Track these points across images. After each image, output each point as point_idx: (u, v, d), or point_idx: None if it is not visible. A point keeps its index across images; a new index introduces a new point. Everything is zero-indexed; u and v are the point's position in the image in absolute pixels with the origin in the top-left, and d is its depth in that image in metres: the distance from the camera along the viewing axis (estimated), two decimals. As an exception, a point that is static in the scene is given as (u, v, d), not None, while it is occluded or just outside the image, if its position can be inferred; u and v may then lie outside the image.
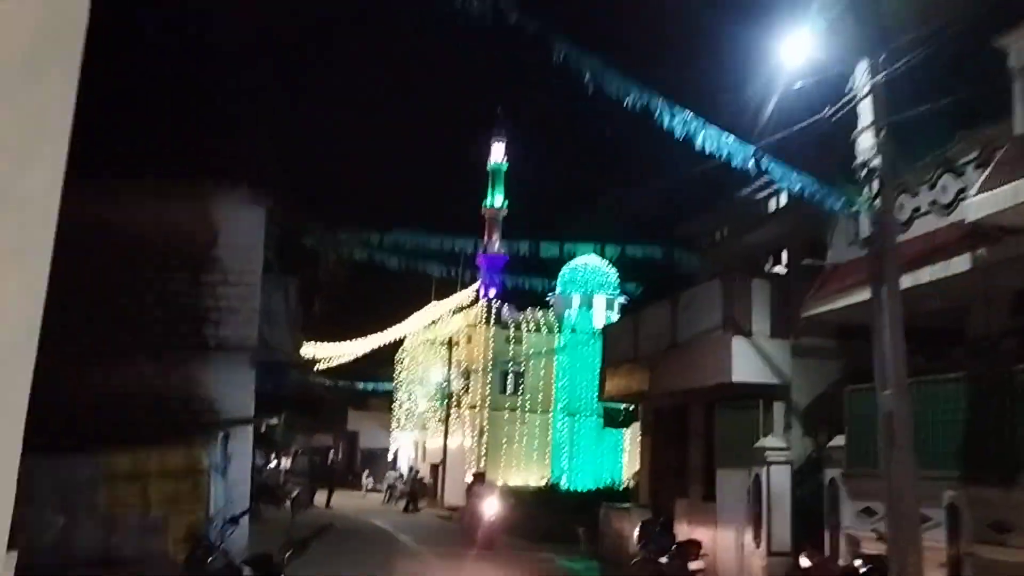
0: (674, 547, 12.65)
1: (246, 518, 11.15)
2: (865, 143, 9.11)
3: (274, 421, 33.11)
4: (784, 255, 18.03)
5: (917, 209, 10.71)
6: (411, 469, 37.69)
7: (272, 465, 35.82)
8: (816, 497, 12.25)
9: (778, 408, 14.13)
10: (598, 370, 21.65)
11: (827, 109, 9.39)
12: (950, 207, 10.06)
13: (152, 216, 11.53)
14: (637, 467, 23.87)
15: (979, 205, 8.59)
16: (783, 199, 19.07)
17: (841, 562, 10.92)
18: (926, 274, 10.03)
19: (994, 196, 8.37)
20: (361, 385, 45.15)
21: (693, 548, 12.71)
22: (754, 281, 14.78)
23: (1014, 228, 8.56)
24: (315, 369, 35.52)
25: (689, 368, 15.64)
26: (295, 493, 26.49)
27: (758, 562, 12.98)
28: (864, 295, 10.36)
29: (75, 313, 11.13)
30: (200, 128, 12.06)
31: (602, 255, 22.15)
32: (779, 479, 13.15)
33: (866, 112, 9.10)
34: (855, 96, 9.12)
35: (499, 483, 27.13)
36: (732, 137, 7.97)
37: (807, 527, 12.25)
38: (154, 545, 9.22)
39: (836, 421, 12.42)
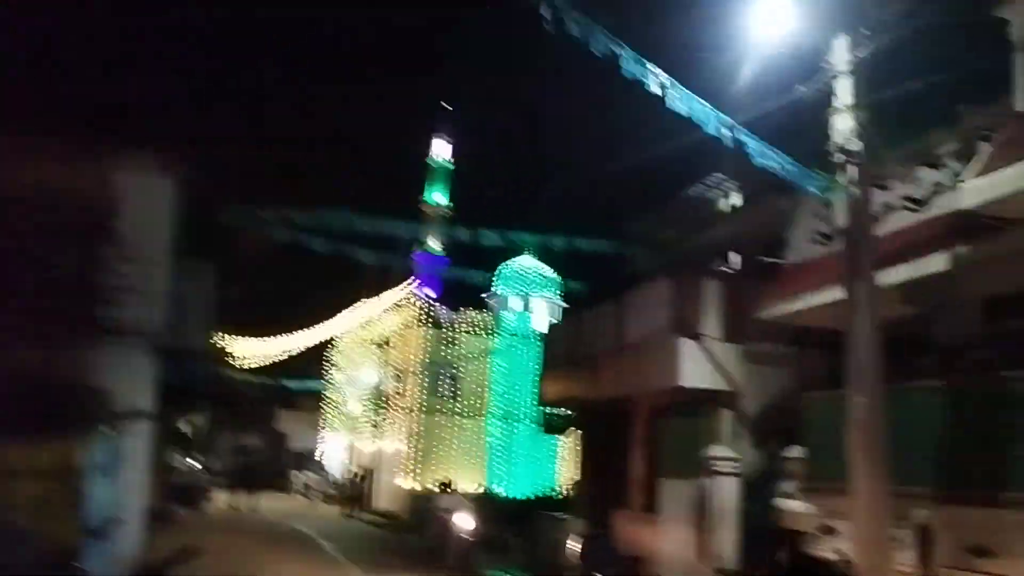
0: (617, 562, 11.70)
1: (135, 528, 9.85)
2: (842, 124, 8.27)
3: (193, 418, 31.48)
4: (736, 255, 17.27)
5: (887, 204, 9.93)
6: (355, 473, 36.46)
7: (194, 465, 34.04)
8: (769, 512, 11.42)
9: (727, 416, 13.38)
10: (537, 374, 20.73)
11: (797, 87, 8.55)
12: (925, 202, 9.27)
13: (37, 177, 10.10)
14: (575, 475, 23.08)
15: (979, 190, 7.76)
16: (734, 199, 18.37)
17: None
18: (896, 274, 9.22)
19: (1000, 178, 7.49)
20: (290, 384, 43.55)
21: (636, 564, 11.79)
22: (704, 281, 13.97)
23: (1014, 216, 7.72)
24: (238, 365, 33.88)
25: (634, 372, 14.84)
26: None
27: (703, 580, 12.14)
28: (831, 295, 9.57)
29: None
30: (104, 82, 10.67)
31: (546, 250, 21.19)
32: (726, 491, 12.39)
33: (844, 90, 8.28)
34: (832, 72, 8.28)
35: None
36: (702, 102, 7.03)
37: (758, 544, 11.45)
38: (17, 558, 7.84)
39: (788, 431, 11.67)
